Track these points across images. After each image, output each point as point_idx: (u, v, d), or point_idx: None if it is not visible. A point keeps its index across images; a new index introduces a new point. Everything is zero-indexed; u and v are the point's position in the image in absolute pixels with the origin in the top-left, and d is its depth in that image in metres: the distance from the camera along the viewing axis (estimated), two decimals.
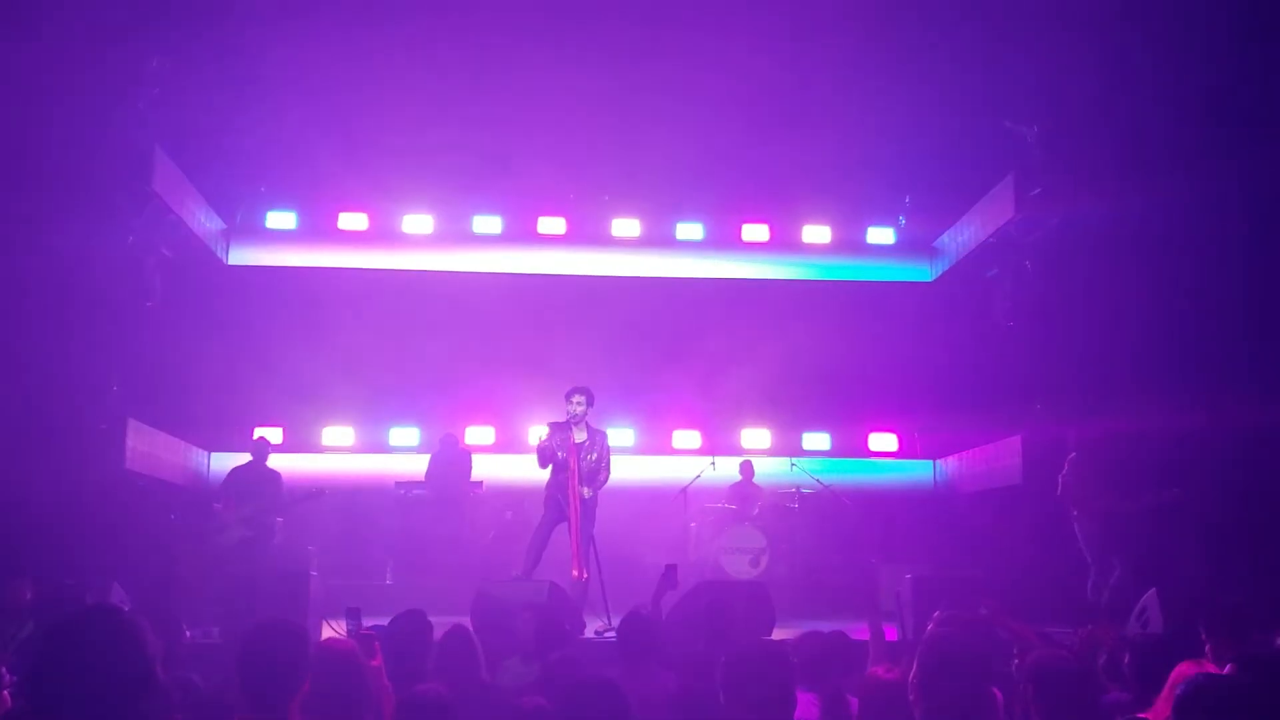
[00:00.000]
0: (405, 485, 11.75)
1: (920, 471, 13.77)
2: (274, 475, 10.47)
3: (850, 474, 13.19)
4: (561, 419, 9.06)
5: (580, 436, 9.00)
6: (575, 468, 8.84)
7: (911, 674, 3.68)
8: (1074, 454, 9.27)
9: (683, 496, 11.90)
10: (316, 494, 10.23)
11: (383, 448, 13.22)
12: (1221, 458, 9.62)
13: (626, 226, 14.09)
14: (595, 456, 9.02)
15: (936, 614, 5.51)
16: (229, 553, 9.81)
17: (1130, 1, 9.40)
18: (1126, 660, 5.00)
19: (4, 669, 4.33)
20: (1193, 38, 9.39)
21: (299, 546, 11.13)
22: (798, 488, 12.17)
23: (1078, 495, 9.09)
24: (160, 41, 10.30)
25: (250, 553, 9.89)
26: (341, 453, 13.16)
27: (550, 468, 9.04)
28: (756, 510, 11.85)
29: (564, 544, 8.90)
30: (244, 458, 10.73)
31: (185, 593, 8.75)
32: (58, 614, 2.73)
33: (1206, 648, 5.05)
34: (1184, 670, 4.37)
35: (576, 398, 8.98)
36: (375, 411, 13.22)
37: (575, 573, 8.66)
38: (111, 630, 2.53)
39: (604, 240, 14.06)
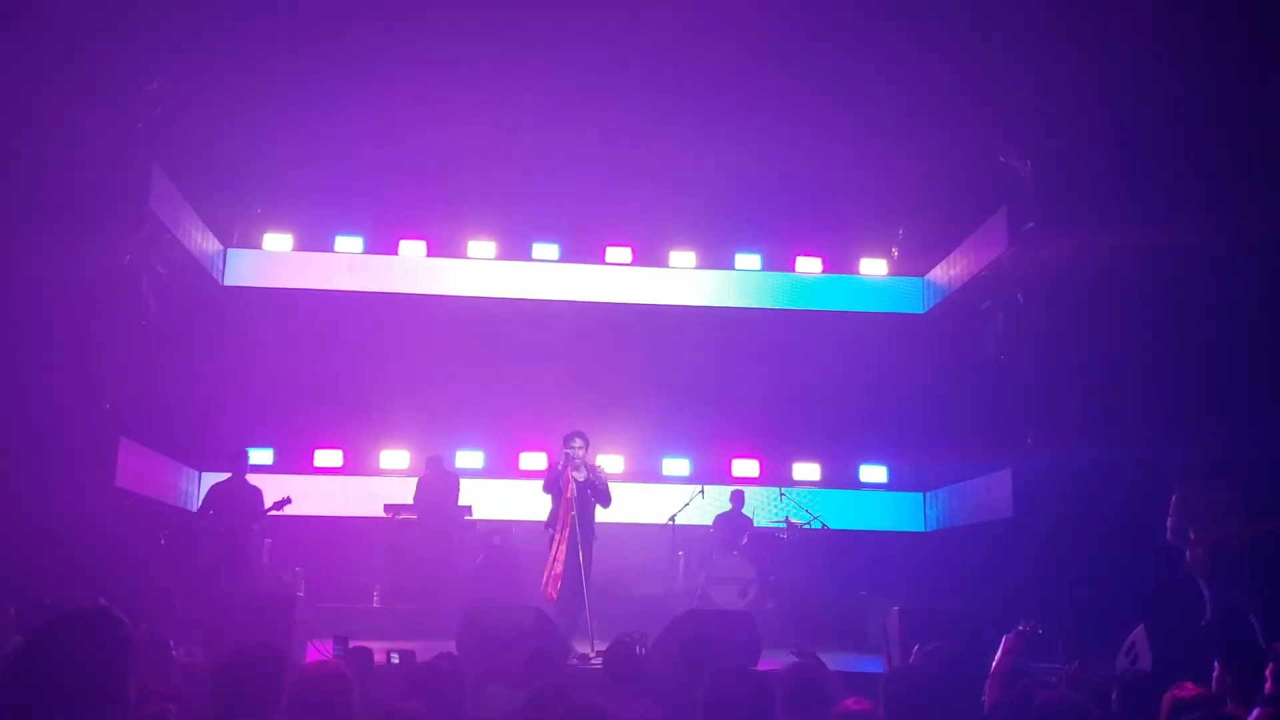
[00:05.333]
0: (394, 509, 11.72)
1: (910, 504, 13.77)
2: (253, 490, 10.49)
3: (840, 505, 13.21)
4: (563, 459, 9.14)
5: (581, 476, 9.07)
6: (574, 507, 8.91)
7: (880, 710, 3.69)
8: (1177, 494, 8.52)
9: (671, 525, 11.90)
10: (283, 501, 10.29)
11: (372, 470, 13.21)
12: None
13: (620, 254, 14.17)
14: (593, 491, 9.12)
15: (916, 647, 5.52)
16: (209, 569, 9.84)
17: (1126, 38, 9.49)
18: (1114, 697, 5.00)
19: None
20: (1188, 74, 9.47)
21: (286, 568, 11.12)
22: (787, 518, 12.17)
23: (1184, 537, 8.38)
24: (160, 62, 10.35)
25: (231, 569, 9.92)
26: (331, 474, 13.14)
27: (551, 501, 9.14)
28: (745, 540, 11.83)
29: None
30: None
31: (168, 610, 8.74)
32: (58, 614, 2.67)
33: (1221, 684, 5.00)
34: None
35: (577, 441, 9.08)
36: (365, 434, 13.22)
37: (544, 587, 8.73)
38: (92, 638, 2.48)
39: (597, 267, 14.11)
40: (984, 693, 5.12)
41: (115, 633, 2.52)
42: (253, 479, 10.67)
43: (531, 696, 4.89)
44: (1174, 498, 8.51)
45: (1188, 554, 8.37)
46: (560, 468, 9.06)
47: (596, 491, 9.09)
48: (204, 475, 12.58)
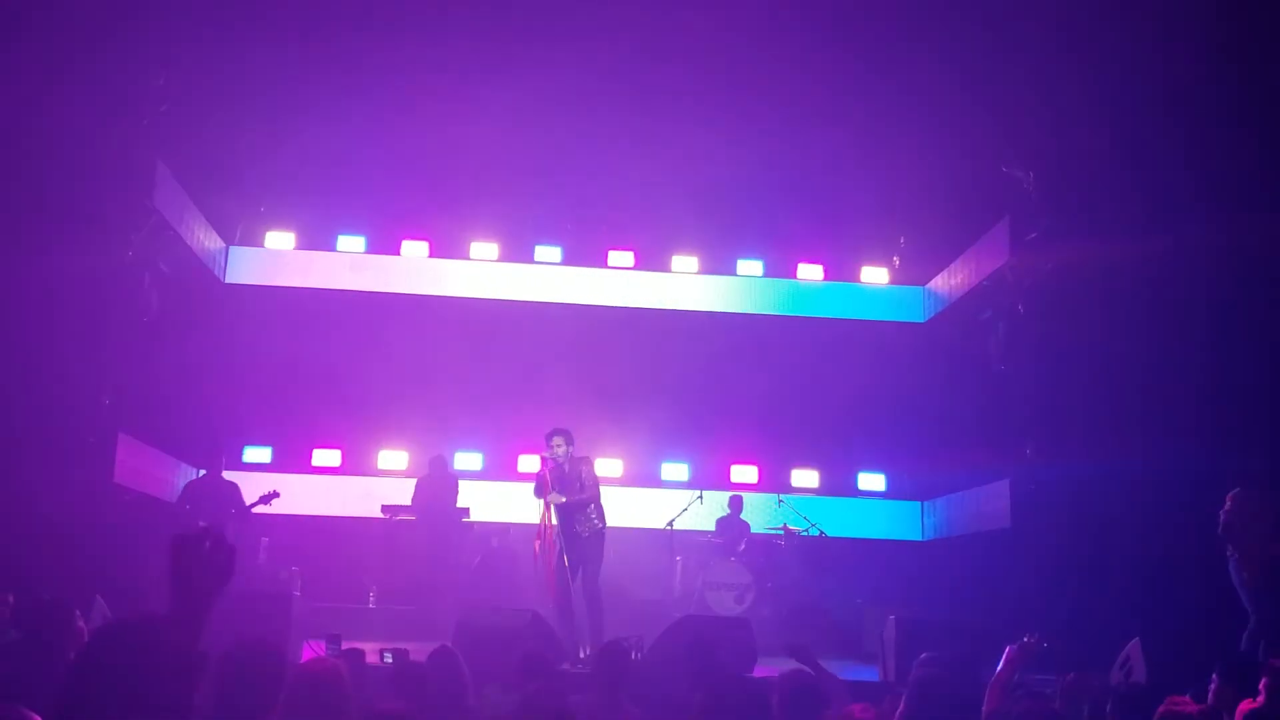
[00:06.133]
0: (391, 510, 11.71)
1: (908, 512, 13.76)
2: (230, 485, 10.48)
3: (838, 513, 13.20)
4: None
5: (558, 499, 8.97)
6: (555, 517, 8.86)
7: (898, 715, 3.68)
8: (1238, 489, 8.12)
9: (669, 530, 11.89)
10: (270, 495, 10.25)
11: (371, 470, 13.19)
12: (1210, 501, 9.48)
13: (622, 257, 14.17)
14: (580, 486, 9.03)
15: (923, 656, 5.51)
16: None
17: (1130, 48, 9.50)
18: (1109, 709, 5.00)
19: None
20: (1192, 84, 9.47)
21: (283, 567, 11.11)
22: (785, 525, 12.16)
23: (1240, 537, 7.95)
24: (165, 59, 10.36)
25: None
26: (330, 474, 13.14)
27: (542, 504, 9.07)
28: (743, 546, 11.83)
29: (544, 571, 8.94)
30: (236, 476, 10.75)
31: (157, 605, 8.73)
32: (117, 620, 2.59)
33: (1219, 697, 4.99)
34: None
35: (557, 439, 8.98)
36: (364, 434, 13.20)
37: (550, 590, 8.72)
38: (152, 645, 2.42)
39: (599, 270, 14.12)
40: (983, 702, 5.12)
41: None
42: (250, 477, 10.64)
43: (525, 699, 4.89)
44: (1234, 492, 8.05)
45: (1237, 557, 8.19)
46: (544, 475, 8.93)
47: (584, 491, 8.95)
48: (202, 472, 12.58)
